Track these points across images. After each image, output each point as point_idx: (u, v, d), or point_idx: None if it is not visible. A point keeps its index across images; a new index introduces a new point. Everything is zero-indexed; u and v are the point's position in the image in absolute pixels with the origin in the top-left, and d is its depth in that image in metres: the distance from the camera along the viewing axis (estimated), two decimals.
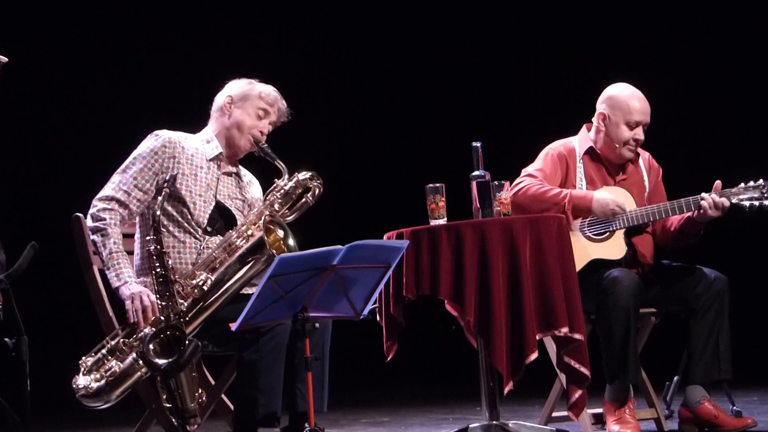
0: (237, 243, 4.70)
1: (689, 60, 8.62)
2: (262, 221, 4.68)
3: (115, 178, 4.79)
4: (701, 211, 5.19)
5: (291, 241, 4.68)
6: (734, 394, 5.67)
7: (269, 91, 4.99)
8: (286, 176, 4.83)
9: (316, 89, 8.92)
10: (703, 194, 5.20)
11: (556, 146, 5.42)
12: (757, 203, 5.24)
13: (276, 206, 4.79)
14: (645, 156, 5.50)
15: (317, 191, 4.86)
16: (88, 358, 4.58)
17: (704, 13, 8.61)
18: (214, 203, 4.86)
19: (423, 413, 7.23)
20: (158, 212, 4.56)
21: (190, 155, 4.85)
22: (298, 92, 9.07)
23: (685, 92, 8.47)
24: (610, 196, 5.25)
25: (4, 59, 4.30)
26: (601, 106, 5.41)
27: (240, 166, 5.04)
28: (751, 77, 8.51)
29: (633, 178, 5.43)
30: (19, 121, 8.18)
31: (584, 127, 5.47)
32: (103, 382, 4.52)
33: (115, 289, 4.66)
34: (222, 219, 4.88)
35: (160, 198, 4.60)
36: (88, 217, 4.76)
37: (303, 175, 4.85)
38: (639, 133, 5.34)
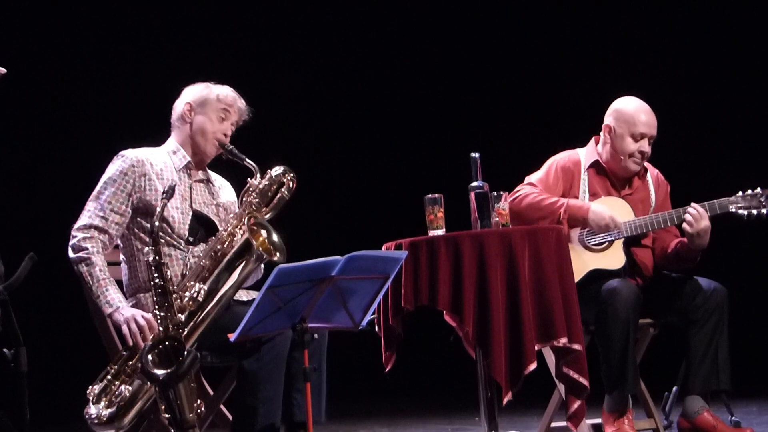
0: (223, 249, 4.68)
1: (694, 71, 8.63)
2: (245, 223, 4.66)
3: (90, 205, 4.75)
4: (683, 226, 5.21)
5: (275, 238, 4.67)
6: (733, 405, 5.67)
7: (227, 92, 4.95)
8: (258, 175, 4.78)
9: (315, 100, 8.94)
10: (686, 209, 5.22)
11: (562, 158, 5.43)
12: (755, 212, 5.25)
13: (254, 206, 4.75)
14: (654, 172, 5.50)
15: (291, 185, 4.79)
16: (95, 386, 4.55)
17: (712, 25, 8.62)
18: (191, 213, 4.84)
19: (422, 424, 7.23)
20: (157, 223, 4.55)
21: (159, 170, 4.82)
22: (297, 102, 9.10)
23: (687, 103, 8.48)
24: (608, 209, 5.24)
25: (3, 70, 4.30)
26: (608, 118, 5.42)
27: (210, 172, 5.02)
28: (754, 88, 8.53)
29: (639, 193, 5.43)
30: (18, 131, 8.19)
31: (592, 140, 5.48)
32: (114, 408, 4.49)
33: (108, 316, 4.63)
34: (202, 227, 4.86)
35: (158, 209, 4.59)
36: (69, 249, 4.70)
37: (276, 171, 4.78)
38: (644, 146, 5.34)
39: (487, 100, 8.92)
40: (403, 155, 8.98)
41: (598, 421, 5.19)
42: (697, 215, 5.19)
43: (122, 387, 4.51)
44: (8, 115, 7.55)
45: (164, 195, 4.60)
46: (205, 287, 4.62)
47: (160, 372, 4.27)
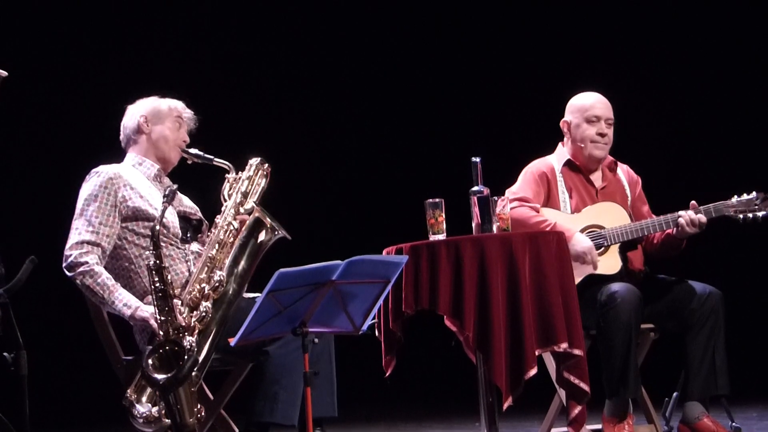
0: (227, 237, 4.74)
1: (687, 75, 8.65)
2: (255, 207, 4.75)
3: (76, 223, 4.78)
4: (679, 228, 5.22)
5: (269, 220, 4.75)
6: (733, 411, 5.66)
7: (175, 102, 5.06)
8: (233, 170, 4.88)
9: (315, 104, 8.94)
10: (681, 212, 5.24)
11: (535, 165, 5.49)
12: (750, 215, 5.28)
13: (242, 196, 4.84)
14: (624, 168, 5.57)
15: (268, 173, 4.92)
16: (131, 390, 4.55)
17: (705, 30, 8.64)
18: (175, 214, 4.90)
19: (422, 429, 7.23)
20: (158, 227, 4.56)
21: (135, 179, 4.88)
22: (297, 106, 9.09)
23: (681, 108, 8.50)
24: (590, 241, 5.24)
25: (4, 73, 4.31)
26: (565, 116, 5.52)
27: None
28: (739, 89, 8.55)
29: (614, 185, 5.49)
30: (19, 133, 8.19)
31: (559, 144, 5.55)
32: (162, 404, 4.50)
33: (130, 318, 4.65)
34: (190, 227, 4.94)
35: (159, 214, 4.60)
36: (65, 269, 4.71)
37: (255, 161, 4.92)
38: (602, 128, 5.42)
39: (488, 104, 8.92)
40: (404, 159, 8.99)
41: (598, 426, 5.19)
42: (695, 220, 5.21)
43: None
44: (8, 119, 7.55)
45: (165, 199, 4.61)
46: (224, 273, 4.66)
47: (160, 376, 4.27)
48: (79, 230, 4.76)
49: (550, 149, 5.59)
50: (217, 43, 8.77)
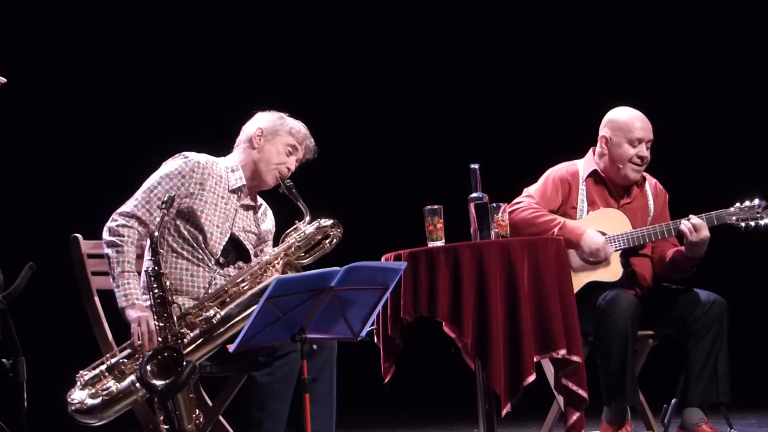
0: (251, 282, 4.72)
1: (692, 82, 8.64)
2: (280, 263, 4.68)
3: (139, 194, 4.77)
4: (684, 242, 5.21)
5: None
6: (732, 417, 5.66)
7: (299, 127, 5.00)
8: (308, 218, 4.85)
9: (313, 109, 8.92)
10: (683, 220, 5.23)
11: (559, 169, 5.44)
12: (752, 223, 5.27)
13: (294, 249, 4.81)
14: (652, 181, 5.52)
15: (335, 240, 4.89)
16: (87, 373, 4.58)
17: (709, 37, 8.64)
18: (229, 235, 4.85)
19: None
20: (156, 233, 4.56)
21: (215, 183, 4.84)
22: (297, 112, 9.08)
23: (684, 114, 8.49)
24: (601, 238, 5.24)
25: (3, 80, 4.31)
26: (603, 129, 5.43)
27: (258, 197, 5.04)
28: (751, 99, 8.54)
29: (638, 202, 5.44)
30: (19, 140, 8.19)
31: (590, 151, 5.49)
32: (98, 399, 4.52)
33: (121, 309, 4.65)
34: (235, 251, 4.88)
35: (158, 220, 4.60)
36: (105, 229, 4.73)
37: (325, 222, 4.88)
38: (642, 151, 5.36)
39: (486, 111, 8.92)
40: (403, 166, 8.98)
41: None
42: (698, 225, 5.20)
43: (112, 381, 4.54)
44: (9, 124, 7.55)
45: (164, 204, 4.60)
46: (222, 313, 4.64)
47: (158, 382, 4.27)
48: (137, 202, 4.76)
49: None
50: (214, 47, 8.78)
